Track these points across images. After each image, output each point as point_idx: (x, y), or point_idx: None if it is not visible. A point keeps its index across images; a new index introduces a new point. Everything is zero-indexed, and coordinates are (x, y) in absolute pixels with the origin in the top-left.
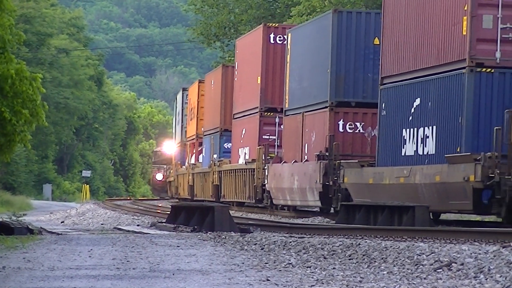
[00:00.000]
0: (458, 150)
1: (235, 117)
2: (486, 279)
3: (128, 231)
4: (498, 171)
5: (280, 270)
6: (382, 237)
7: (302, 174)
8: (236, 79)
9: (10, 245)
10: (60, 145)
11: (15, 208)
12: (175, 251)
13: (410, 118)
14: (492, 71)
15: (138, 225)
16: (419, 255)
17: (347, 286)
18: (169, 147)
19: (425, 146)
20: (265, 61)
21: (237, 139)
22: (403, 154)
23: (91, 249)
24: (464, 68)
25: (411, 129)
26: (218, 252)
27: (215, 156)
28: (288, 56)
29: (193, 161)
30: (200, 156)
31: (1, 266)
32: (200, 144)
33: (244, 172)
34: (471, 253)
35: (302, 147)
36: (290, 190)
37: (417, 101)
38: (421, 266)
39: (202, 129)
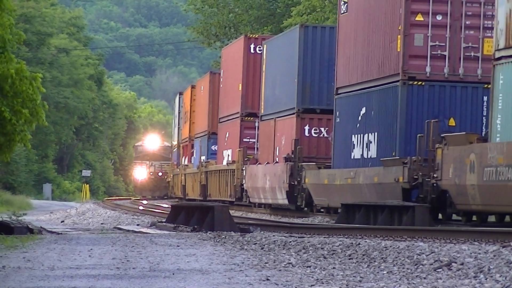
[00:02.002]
0: (394, 154)
1: (220, 121)
2: (486, 279)
3: (128, 230)
4: (421, 173)
5: (280, 270)
6: (382, 236)
7: (272, 175)
8: (221, 85)
9: (10, 244)
10: (60, 144)
11: (15, 208)
12: (175, 251)
13: (358, 125)
14: (423, 84)
15: (138, 225)
16: (419, 255)
17: (347, 285)
18: (152, 142)
19: (369, 151)
20: (246, 70)
21: (222, 142)
22: (352, 157)
23: (91, 249)
24: (398, 81)
25: (359, 135)
26: (218, 252)
27: (203, 157)
28: (264, 66)
29: (186, 162)
30: (192, 158)
31: (1, 266)
32: (192, 146)
33: (226, 172)
34: (471, 253)
35: (274, 149)
36: (263, 189)
37: (363, 110)
38: (421, 266)
39: (194, 132)
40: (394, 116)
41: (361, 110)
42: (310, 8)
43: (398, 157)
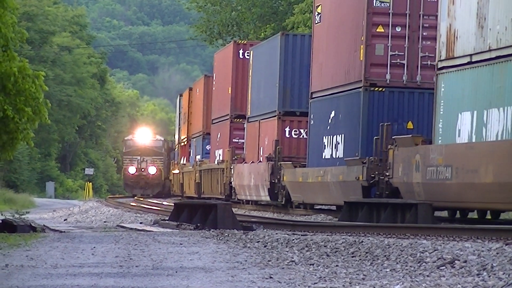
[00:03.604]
0: (356, 154)
1: (213, 122)
2: (489, 276)
3: (131, 229)
4: (377, 172)
5: (283, 268)
6: (385, 234)
7: (256, 173)
8: (214, 88)
9: (13, 243)
10: (63, 143)
11: (18, 206)
12: (178, 249)
13: (328, 127)
14: (383, 90)
15: (141, 223)
16: (422, 253)
17: (350, 283)
18: (143, 135)
19: (337, 151)
20: (235, 74)
21: (214, 142)
22: (323, 157)
23: (94, 247)
24: (360, 87)
25: (329, 136)
26: (221, 250)
27: (198, 157)
28: (250, 71)
29: (184, 161)
30: (190, 157)
31: (4, 264)
32: (190, 146)
33: (217, 171)
34: (474, 251)
35: (258, 149)
36: (249, 186)
37: (333, 113)
38: (424, 264)
39: (191, 132)
40: (358, 119)
41: (331, 113)
42: (312, 6)
43: (358, 157)
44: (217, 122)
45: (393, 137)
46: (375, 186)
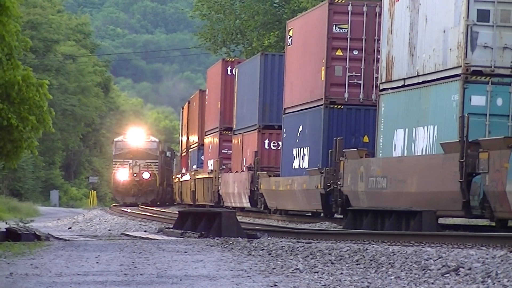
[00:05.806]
0: (318, 165)
1: (206, 134)
2: (494, 284)
3: (136, 237)
4: (332, 182)
5: (287, 276)
6: (390, 242)
7: (239, 182)
8: (206, 102)
9: (18, 251)
10: (67, 151)
11: (22, 215)
12: (182, 257)
13: (297, 140)
14: (342, 107)
15: (145, 231)
16: (427, 260)
17: None
18: (135, 137)
19: (304, 162)
20: (223, 89)
21: (207, 153)
22: (293, 167)
23: (99, 255)
24: (322, 105)
25: (298, 148)
26: (225, 258)
27: (194, 166)
28: (236, 87)
29: (184, 171)
30: (189, 167)
31: (9, 273)
32: (188, 156)
33: (207, 180)
34: (478, 258)
35: (242, 160)
36: (233, 194)
37: (300, 128)
38: (428, 271)
39: (189, 143)
40: (319, 133)
41: (299, 128)
42: None
43: (317, 168)
44: (209, 134)
45: (343, 150)
46: (331, 194)
